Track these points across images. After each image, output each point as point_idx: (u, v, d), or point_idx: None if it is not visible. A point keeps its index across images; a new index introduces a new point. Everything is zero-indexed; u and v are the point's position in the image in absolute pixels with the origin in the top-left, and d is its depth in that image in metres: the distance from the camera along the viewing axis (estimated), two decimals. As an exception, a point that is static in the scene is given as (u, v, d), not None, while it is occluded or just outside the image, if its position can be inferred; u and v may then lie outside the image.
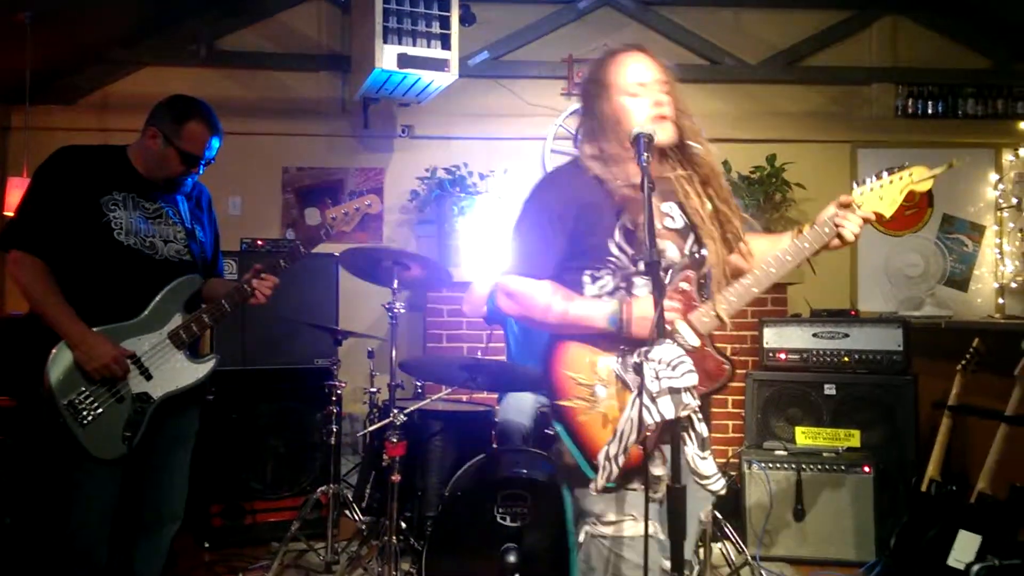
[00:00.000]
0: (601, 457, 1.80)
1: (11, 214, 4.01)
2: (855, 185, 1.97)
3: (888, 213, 1.93)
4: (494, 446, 3.24)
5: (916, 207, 5.34)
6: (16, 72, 4.38)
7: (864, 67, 5.42)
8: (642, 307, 1.85)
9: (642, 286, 1.91)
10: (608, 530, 1.88)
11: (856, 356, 4.19)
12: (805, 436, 4.02)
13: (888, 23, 5.41)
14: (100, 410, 2.31)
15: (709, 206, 2.00)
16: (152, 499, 2.51)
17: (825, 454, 3.92)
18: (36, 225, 2.34)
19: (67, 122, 5.01)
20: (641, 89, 1.97)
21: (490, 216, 4.98)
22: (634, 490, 1.85)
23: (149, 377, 2.39)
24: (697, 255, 1.98)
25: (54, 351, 2.29)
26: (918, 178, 1.93)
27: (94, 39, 4.96)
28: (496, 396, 3.80)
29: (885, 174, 1.95)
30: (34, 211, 2.36)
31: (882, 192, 1.94)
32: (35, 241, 2.33)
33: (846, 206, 1.95)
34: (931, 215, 5.34)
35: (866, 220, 1.93)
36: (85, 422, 2.29)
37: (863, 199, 1.95)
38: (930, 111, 5.36)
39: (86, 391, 2.30)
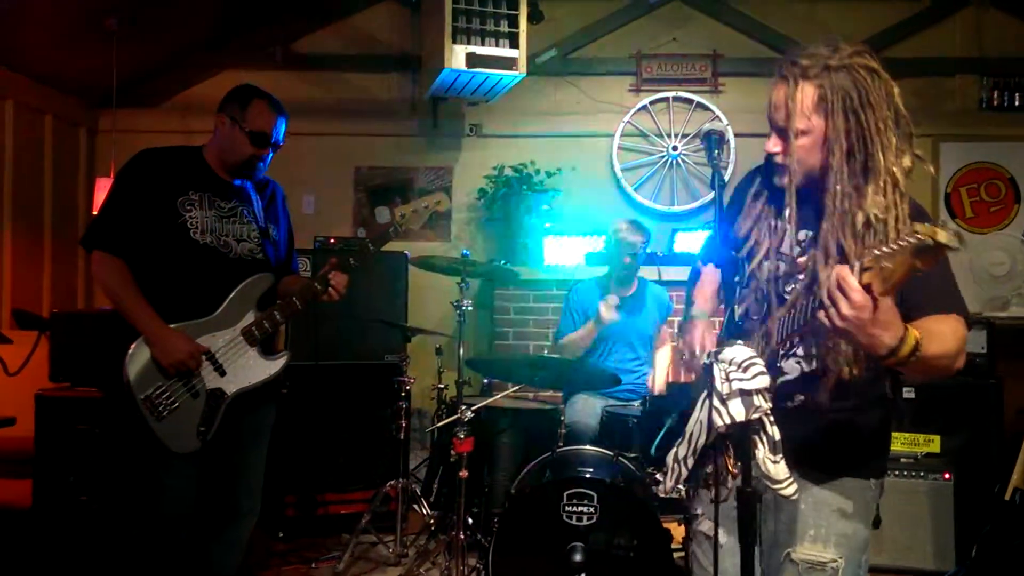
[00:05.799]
0: (670, 459, 1.79)
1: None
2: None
3: (878, 290, 1.39)
4: (560, 444, 3.24)
5: (1002, 203, 5.11)
6: (104, 77, 4.57)
7: (946, 58, 5.22)
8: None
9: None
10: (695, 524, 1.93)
11: (937, 358, 4.03)
12: (881, 440, 3.89)
13: (971, 12, 5.20)
14: (176, 405, 2.37)
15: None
16: (229, 494, 2.58)
17: (903, 460, 3.79)
18: (116, 226, 2.43)
19: (151, 124, 5.21)
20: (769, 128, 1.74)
21: (557, 213, 4.98)
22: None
23: (223, 373, 2.44)
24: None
25: (132, 347, 2.36)
26: (925, 235, 1.30)
27: (177, 45, 5.15)
28: (561, 395, 3.80)
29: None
30: (114, 213, 2.45)
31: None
32: (115, 242, 2.41)
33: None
34: (1018, 212, 5.11)
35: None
36: (162, 417, 2.36)
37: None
38: (1017, 103, 5.14)
39: (163, 386, 2.37)
